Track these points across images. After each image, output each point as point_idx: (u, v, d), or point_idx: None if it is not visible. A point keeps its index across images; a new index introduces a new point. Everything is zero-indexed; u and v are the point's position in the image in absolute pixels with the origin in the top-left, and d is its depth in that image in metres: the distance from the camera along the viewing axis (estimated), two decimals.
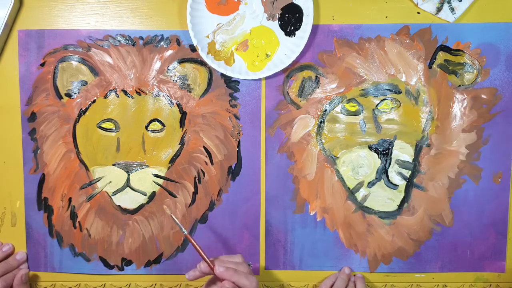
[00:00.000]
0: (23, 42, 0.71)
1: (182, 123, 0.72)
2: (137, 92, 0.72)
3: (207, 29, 0.70)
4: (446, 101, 0.71)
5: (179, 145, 0.72)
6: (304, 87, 0.72)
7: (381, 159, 0.72)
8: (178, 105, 0.72)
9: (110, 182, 0.73)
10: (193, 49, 0.71)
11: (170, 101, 0.72)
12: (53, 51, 0.71)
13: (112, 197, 0.73)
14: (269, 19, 0.70)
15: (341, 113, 0.72)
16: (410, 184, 0.73)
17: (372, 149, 0.72)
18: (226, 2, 0.70)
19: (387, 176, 0.73)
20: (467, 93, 0.71)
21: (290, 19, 0.70)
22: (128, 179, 0.72)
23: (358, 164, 0.72)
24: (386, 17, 0.71)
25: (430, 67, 0.71)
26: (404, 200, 0.73)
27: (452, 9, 0.70)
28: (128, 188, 0.73)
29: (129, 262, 0.74)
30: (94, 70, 0.71)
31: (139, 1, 0.71)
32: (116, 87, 0.72)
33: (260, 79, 0.71)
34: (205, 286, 0.64)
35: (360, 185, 0.73)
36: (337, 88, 0.72)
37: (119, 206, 0.73)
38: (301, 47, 0.69)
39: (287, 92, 0.72)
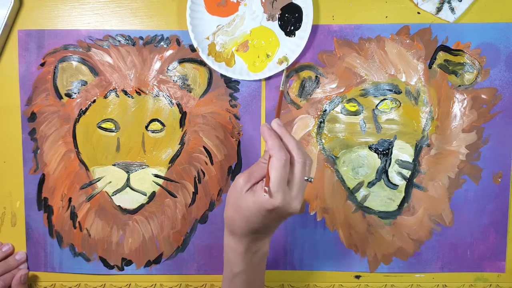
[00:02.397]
0: (23, 42, 0.71)
1: (182, 123, 0.72)
2: (137, 92, 0.72)
3: (207, 31, 0.70)
4: (446, 101, 0.71)
5: (179, 145, 0.72)
6: (304, 87, 0.72)
7: (381, 159, 0.72)
8: (178, 105, 0.72)
9: (110, 182, 0.73)
10: (193, 49, 0.71)
11: (170, 101, 0.72)
12: (53, 51, 0.71)
13: (112, 197, 0.73)
14: (269, 20, 0.70)
15: (341, 113, 0.72)
16: (410, 184, 0.73)
17: (372, 149, 0.72)
18: (225, 3, 0.70)
19: (387, 176, 0.73)
20: (467, 93, 0.71)
21: (290, 19, 0.70)
22: (128, 179, 0.72)
23: (358, 164, 0.72)
24: (386, 17, 0.71)
25: (430, 67, 0.71)
26: (404, 200, 0.73)
27: (452, 9, 0.70)
28: (128, 188, 0.73)
29: (129, 262, 0.74)
30: (94, 70, 0.71)
31: (139, 1, 0.71)
32: (116, 87, 0.72)
33: (260, 79, 0.71)
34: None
35: (360, 185, 0.73)
36: (337, 88, 0.72)
37: (119, 206, 0.73)
38: (301, 47, 0.69)
39: (287, 92, 0.72)
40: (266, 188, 0.51)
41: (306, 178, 0.54)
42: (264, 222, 0.54)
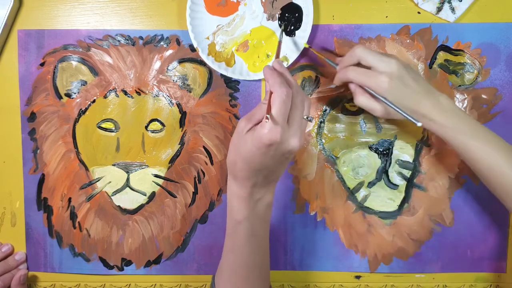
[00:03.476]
0: (22, 42, 0.71)
1: (182, 123, 0.72)
2: (137, 92, 0.71)
3: (207, 31, 0.70)
4: None
5: (179, 145, 0.72)
6: (304, 87, 0.72)
7: (381, 159, 0.72)
8: (178, 105, 0.72)
9: (110, 182, 0.72)
10: (193, 49, 0.71)
11: (170, 101, 0.72)
12: (52, 51, 0.71)
13: (111, 197, 0.73)
14: (269, 19, 0.70)
15: (341, 113, 0.72)
16: (410, 184, 0.73)
17: (372, 149, 0.72)
18: (225, 3, 0.70)
19: (387, 176, 0.72)
20: (468, 93, 0.71)
21: (290, 19, 0.70)
22: (128, 179, 0.72)
23: (358, 164, 0.72)
24: (386, 17, 0.71)
25: (430, 67, 0.71)
26: (405, 200, 0.73)
27: (452, 9, 0.70)
28: (128, 188, 0.72)
29: (129, 262, 0.74)
30: (93, 70, 0.71)
31: (138, 0, 0.71)
32: (116, 87, 0.72)
33: (260, 79, 0.71)
34: None
35: (360, 185, 0.73)
36: (337, 88, 0.72)
37: (119, 206, 0.73)
38: (301, 47, 0.69)
39: None
40: (267, 115, 0.50)
41: (305, 116, 0.54)
42: (264, 160, 0.53)
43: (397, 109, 0.58)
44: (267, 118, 0.50)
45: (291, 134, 0.52)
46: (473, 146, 0.60)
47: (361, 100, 0.61)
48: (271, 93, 0.52)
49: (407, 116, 0.58)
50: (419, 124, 0.56)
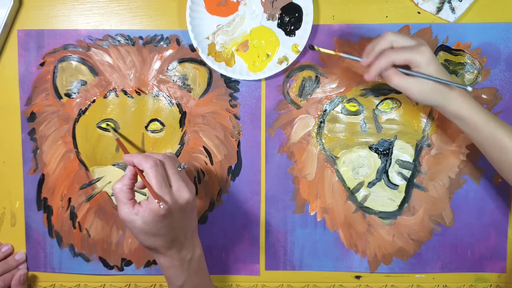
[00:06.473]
0: (22, 42, 0.71)
1: (182, 123, 0.72)
2: (136, 92, 0.71)
3: (207, 31, 0.70)
4: None
5: (179, 145, 0.72)
6: (304, 87, 0.72)
7: (381, 159, 0.72)
8: (178, 105, 0.72)
9: (110, 182, 0.72)
10: (193, 49, 0.71)
11: (170, 101, 0.72)
12: (52, 51, 0.71)
13: (111, 197, 0.73)
14: (269, 19, 0.70)
15: (341, 113, 0.72)
16: (410, 184, 0.73)
17: (372, 149, 0.72)
18: (225, 3, 0.70)
19: (388, 176, 0.72)
20: (468, 93, 0.71)
21: (290, 19, 0.70)
22: None
23: (358, 164, 0.72)
24: (387, 17, 0.71)
25: None
26: (405, 200, 0.73)
27: (452, 9, 0.70)
28: None
29: (128, 262, 0.74)
30: (93, 70, 0.71)
31: (139, 0, 0.71)
32: (116, 87, 0.71)
33: (260, 79, 0.71)
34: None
35: (360, 185, 0.73)
36: (337, 88, 0.72)
37: None
38: (301, 46, 0.69)
39: (287, 92, 0.72)
40: (158, 201, 0.53)
41: (179, 168, 0.58)
42: (171, 226, 0.56)
43: (437, 79, 0.58)
44: (159, 203, 0.53)
45: (178, 189, 0.56)
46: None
47: (396, 80, 0.59)
48: (141, 171, 0.57)
49: (452, 84, 0.59)
50: (469, 89, 0.58)
